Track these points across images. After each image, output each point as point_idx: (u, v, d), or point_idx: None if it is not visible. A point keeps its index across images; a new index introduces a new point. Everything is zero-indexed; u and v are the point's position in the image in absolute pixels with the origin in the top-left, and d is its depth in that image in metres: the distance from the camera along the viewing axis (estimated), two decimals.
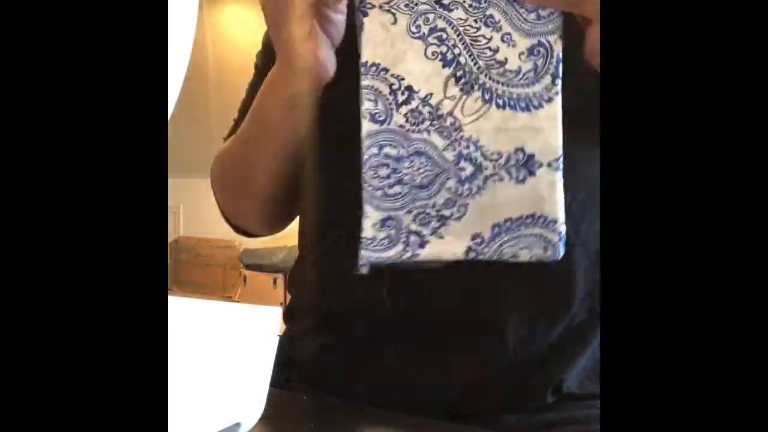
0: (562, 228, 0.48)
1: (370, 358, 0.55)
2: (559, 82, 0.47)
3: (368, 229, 0.48)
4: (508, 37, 0.47)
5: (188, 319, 0.36)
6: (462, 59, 0.48)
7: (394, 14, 0.48)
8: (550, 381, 0.54)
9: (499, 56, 0.48)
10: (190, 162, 3.55)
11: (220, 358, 0.36)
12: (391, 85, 0.48)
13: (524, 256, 0.48)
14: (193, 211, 4.05)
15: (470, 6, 0.48)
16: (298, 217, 0.67)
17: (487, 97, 0.48)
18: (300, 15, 0.47)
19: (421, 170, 0.48)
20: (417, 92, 0.48)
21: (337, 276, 0.58)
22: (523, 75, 0.47)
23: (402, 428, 0.48)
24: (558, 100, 0.47)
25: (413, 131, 0.48)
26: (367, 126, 0.48)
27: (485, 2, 0.48)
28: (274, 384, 0.41)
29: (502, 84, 0.48)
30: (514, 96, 0.47)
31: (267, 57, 0.67)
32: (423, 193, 0.48)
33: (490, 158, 0.48)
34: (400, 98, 0.48)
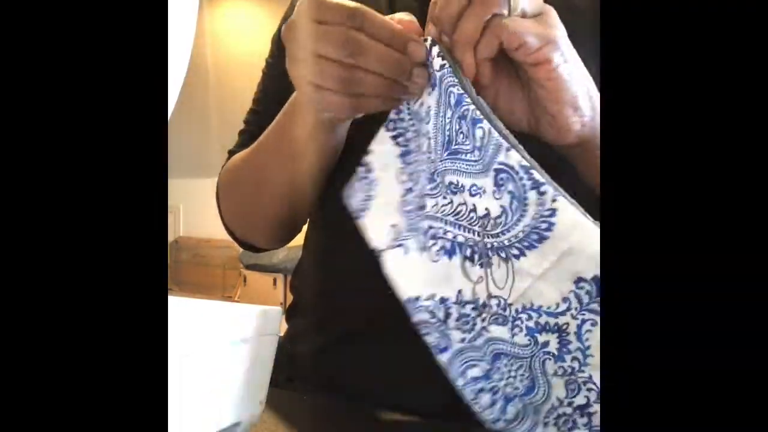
0: None
1: (371, 357, 0.55)
2: (546, 187, 0.39)
3: None
4: (475, 188, 0.41)
5: (188, 319, 0.36)
6: (460, 239, 0.43)
7: (402, 245, 0.46)
8: None
9: (480, 212, 0.41)
10: (190, 162, 3.56)
11: (220, 358, 0.36)
12: (432, 311, 0.44)
13: None
14: (193, 211, 4.05)
15: (433, 190, 0.44)
16: None
17: (503, 255, 0.41)
18: (315, 55, 0.43)
19: (513, 374, 0.42)
20: (449, 299, 0.43)
21: (339, 275, 0.59)
22: (510, 212, 0.40)
23: (403, 427, 0.48)
24: (563, 202, 0.39)
25: (474, 338, 0.42)
26: (441, 360, 0.44)
27: (439, 175, 0.44)
28: (274, 384, 0.41)
29: (503, 234, 0.40)
30: (521, 236, 0.40)
31: (279, 49, 0.67)
32: (534, 401, 0.41)
33: (560, 313, 0.39)
34: (443, 315, 0.43)
